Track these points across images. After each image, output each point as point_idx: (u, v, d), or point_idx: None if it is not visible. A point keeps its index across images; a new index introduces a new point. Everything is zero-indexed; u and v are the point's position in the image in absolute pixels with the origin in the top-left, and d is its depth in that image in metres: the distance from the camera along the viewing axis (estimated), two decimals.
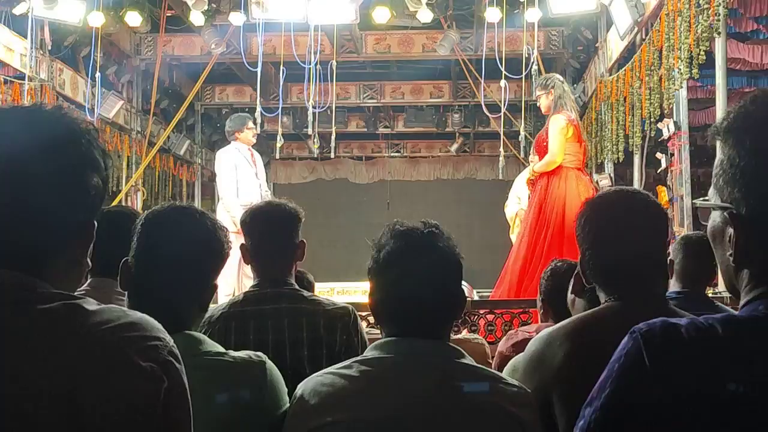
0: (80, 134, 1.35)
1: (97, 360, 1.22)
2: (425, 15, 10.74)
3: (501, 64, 10.02)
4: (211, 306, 3.12)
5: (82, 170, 1.34)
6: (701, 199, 1.45)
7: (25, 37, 10.12)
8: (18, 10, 9.91)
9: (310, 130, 10.90)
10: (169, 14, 11.96)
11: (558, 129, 6.76)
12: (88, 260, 1.44)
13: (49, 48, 11.03)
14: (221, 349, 2.02)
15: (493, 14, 10.33)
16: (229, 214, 7.88)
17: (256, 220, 3.14)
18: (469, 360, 2.02)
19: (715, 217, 1.39)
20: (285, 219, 3.12)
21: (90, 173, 1.35)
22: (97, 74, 10.80)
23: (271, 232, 3.08)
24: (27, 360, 1.20)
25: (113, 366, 1.23)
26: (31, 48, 10.24)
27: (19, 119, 1.34)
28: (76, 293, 2.61)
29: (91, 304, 1.28)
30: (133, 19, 11.17)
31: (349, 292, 9.71)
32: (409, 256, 2.01)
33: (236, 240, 8.09)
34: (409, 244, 2.02)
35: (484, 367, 2.04)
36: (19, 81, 10.24)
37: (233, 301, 3.06)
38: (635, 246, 2.17)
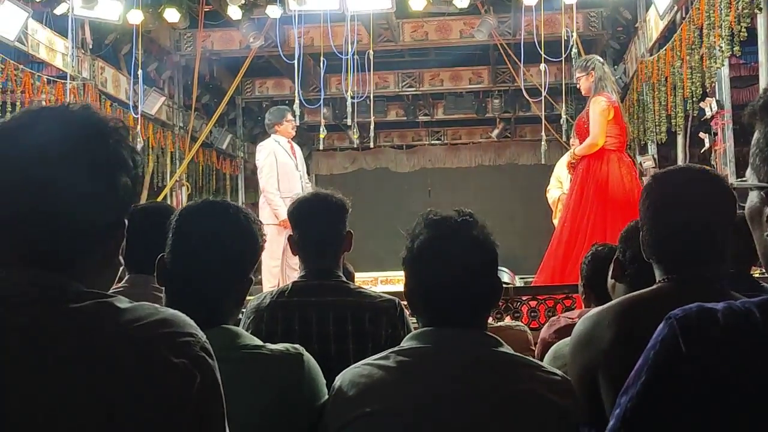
0: (108, 133, 1.36)
1: (129, 357, 1.23)
2: (462, 1, 10.67)
3: (540, 48, 9.93)
4: (260, 293, 3.15)
5: (109, 170, 1.34)
6: (738, 179, 1.42)
7: (67, 37, 10.26)
8: (59, 11, 10.04)
9: (349, 121, 10.90)
10: (207, 9, 12.03)
11: (599, 111, 6.69)
12: (121, 259, 1.45)
13: (90, 47, 11.18)
14: (258, 342, 2.03)
15: None
16: (271, 206, 7.91)
17: (302, 211, 3.16)
18: (506, 348, 2.01)
19: (753, 197, 1.36)
20: (331, 209, 3.13)
21: (118, 172, 1.36)
22: (139, 71, 10.91)
23: (318, 222, 3.10)
24: (60, 359, 1.21)
25: (145, 363, 1.24)
26: (73, 47, 10.39)
27: (46, 120, 1.35)
28: (112, 291, 2.65)
29: (122, 302, 1.29)
30: (172, 15, 11.27)
31: (393, 281, 9.73)
32: (442, 245, 2.00)
33: (278, 233, 8.11)
34: (443, 233, 2.01)
35: (521, 355, 2.02)
36: (62, 80, 10.38)
37: (281, 290, 3.07)
38: (695, 222, 2.11)
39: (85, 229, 1.33)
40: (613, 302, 2.22)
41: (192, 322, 1.34)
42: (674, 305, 1.33)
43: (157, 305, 1.33)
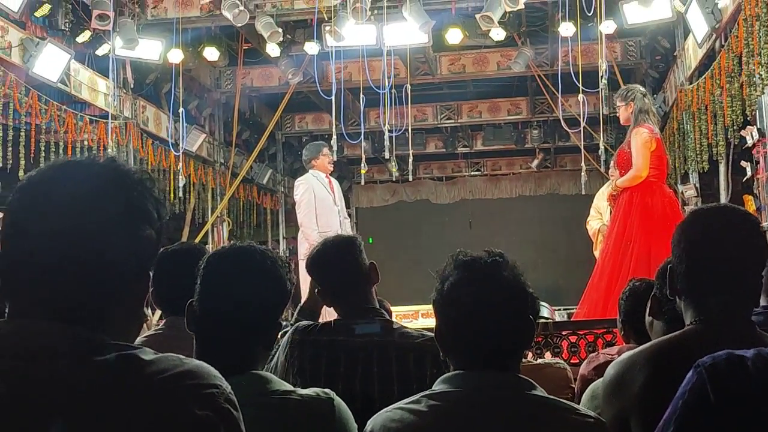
0: (132, 185, 1.37)
1: (154, 409, 1.24)
2: (498, 33, 10.69)
3: (577, 78, 9.90)
4: (300, 324, 3.10)
5: (134, 221, 1.36)
6: None
7: (108, 77, 10.44)
8: (100, 51, 10.23)
9: (387, 154, 10.93)
10: (246, 47, 12.20)
11: (642, 143, 6.63)
12: (146, 310, 1.46)
13: (132, 86, 11.37)
14: (289, 387, 2.03)
15: (566, 28, 10.24)
16: (309, 242, 7.94)
17: (316, 260, 3.13)
18: (540, 391, 1.98)
19: None
20: (344, 250, 3.10)
21: (142, 224, 1.37)
22: (180, 109, 11.05)
23: (338, 267, 3.07)
24: (85, 412, 1.22)
25: (170, 415, 1.24)
26: (114, 87, 10.56)
27: (72, 173, 1.37)
28: (151, 332, 2.66)
29: (147, 354, 1.30)
30: (211, 53, 11.47)
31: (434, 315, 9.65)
32: (472, 286, 1.98)
33: None
34: (473, 275, 1.99)
35: (555, 398, 1.99)
36: (104, 120, 10.54)
37: (324, 325, 3.04)
38: (727, 263, 2.08)
39: (109, 280, 1.34)
40: (644, 346, 2.19)
41: (217, 373, 1.33)
42: (705, 349, 1.32)
43: (182, 356, 1.33)
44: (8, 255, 1.34)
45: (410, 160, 11.77)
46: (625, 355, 2.20)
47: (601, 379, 2.75)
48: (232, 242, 2.16)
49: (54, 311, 1.30)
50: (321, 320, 7.15)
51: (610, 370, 2.19)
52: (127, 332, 1.40)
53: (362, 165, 10.96)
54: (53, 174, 1.37)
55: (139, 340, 2.16)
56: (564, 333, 5.66)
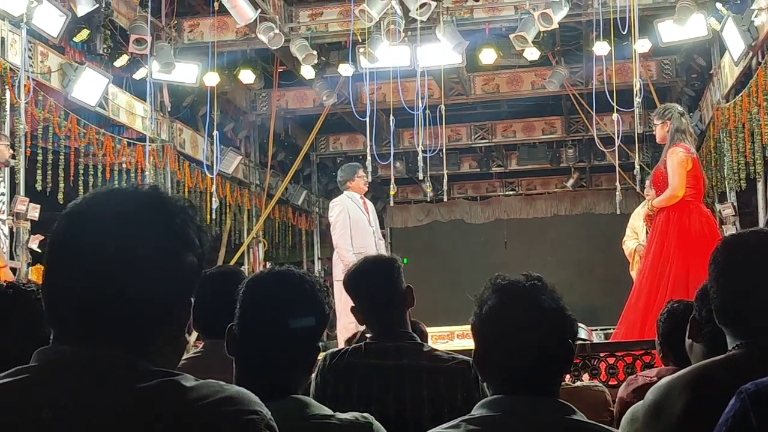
0: (175, 213, 1.39)
1: None
2: (532, 53, 10.70)
3: (612, 97, 9.86)
4: (333, 350, 3.11)
5: (177, 250, 1.37)
6: None
7: (145, 100, 10.57)
8: (138, 75, 10.37)
9: (421, 175, 10.94)
10: (281, 69, 12.31)
11: (677, 162, 6.57)
12: (187, 336, 1.47)
13: (169, 109, 11.51)
14: (328, 412, 2.03)
15: (601, 47, 10.23)
16: (344, 262, 7.95)
17: (355, 279, 3.14)
18: (580, 416, 1.96)
19: None
20: (383, 270, 3.11)
21: (185, 252, 1.38)
22: (215, 132, 11.16)
23: (374, 285, 3.08)
24: None
25: None
26: (152, 110, 10.69)
27: (116, 201, 1.39)
28: (189, 356, 2.67)
29: (188, 380, 1.31)
30: (247, 76, 11.58)
31: (470, 336, 9.58)
32: (511, 311, 1.97)
33: None
34: (511, 299, 1.98)
35: (596, 423, 1.98)
36: (141, 143, 10.67)
37: (356, 348, 3.04)
38: (763, 287, 2.05)
39: (153, 308, 1.35)
40: (684, 371, 2.16)
41: (257, 399, 1.34)
42: (746, 375, 1.30)
43: (222, 383, 1.34)
44: (53, 282, 1.36)
45: (444, 180, 11.78)
46: (665, 380, 2.18)
47: (640, 402, 2.72)
48: (270, 266, 2.18)
49: (97, 338, 1.31)
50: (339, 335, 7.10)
51: (649, 395, 2.17)
52: (169, 358, 1.41)
53: (391, 186, 10.97)
54: (97, 201, 1.39)
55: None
56: (602, 355, 5.61)
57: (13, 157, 7.92)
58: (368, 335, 3.19)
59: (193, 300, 1.44)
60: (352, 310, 3.14)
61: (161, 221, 1.37)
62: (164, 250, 1.35)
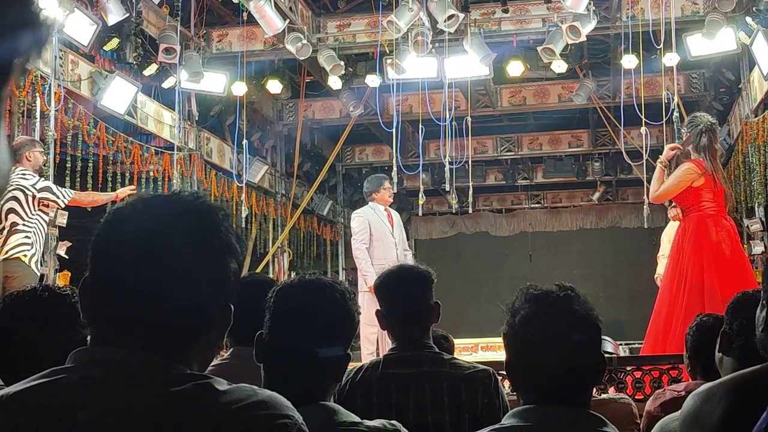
0: (220, 221, 1.40)
1: None
2: (560, 66, 10.67)
3: (640, 111, 9.81)
4: (354, 367, 3.13)
5: (222, 256, 1.38)
6: None
7: (174, 109, 10.65)
8: (166, 84, 10.44)
9: (447, 186, 10.93)
10: (308, 80, 12.36)
11: (680, 172, 6.46)
12: (223, 342, 1.48)
13: (197, 118, 11.57)
14: (356, 419, 2.03)
15: (629, 61, 10.20)
16: (361, 272, 7.97)
17: (388, 284, 3.14)
18: (611, 428, 1.95)
19: None
20: (417, 281, 3.11)
21: (228, 258, 1.39)
22: (243, 141, 11.21)
23: (405, 295, 3.08)
24: None
25: None
26: (180, 119, 10.76)
27: (161, 207, 1.40)
28: (218, 362, 2.68)
29: (221, 384, 1.31)
30: (274, 86, 11.64)
31: (494, 348, 9.58)
32: (544, 320, 1.96)
33: (369, 299, 8.16)
34: (544, 309, 1.98)
35: None
36: (169, 151, 10.74)
37: (374, 362, 3.06)
38: None
39: (196, 312, 1.36)
40: (725, 378, 2.13)
41: (289, 404, 1.34)
42: None
43: (255, 387, 1.34)
44: (96, 284, 1.36)
45: (470, 192, 11.77)
46: (705, 386, 2.15)
47: (669, 416, 2.71)
48: (300, 274, 2.18)
49: (136, 341, 1.32)
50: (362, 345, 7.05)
51: (688, 401, 2.14)
52: (203, 361, 1.42)
53: (420, 196, 10.97)
54: (140, 209, 1.39)
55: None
56: (628, 368, 5.57)
57: (44, 164, 7.99)
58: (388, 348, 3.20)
59: (233, 307, 1.44)
60: (377, 313, 3.15)
61: (208, 227, 1.38)
62: (211, 255, 1.36)
